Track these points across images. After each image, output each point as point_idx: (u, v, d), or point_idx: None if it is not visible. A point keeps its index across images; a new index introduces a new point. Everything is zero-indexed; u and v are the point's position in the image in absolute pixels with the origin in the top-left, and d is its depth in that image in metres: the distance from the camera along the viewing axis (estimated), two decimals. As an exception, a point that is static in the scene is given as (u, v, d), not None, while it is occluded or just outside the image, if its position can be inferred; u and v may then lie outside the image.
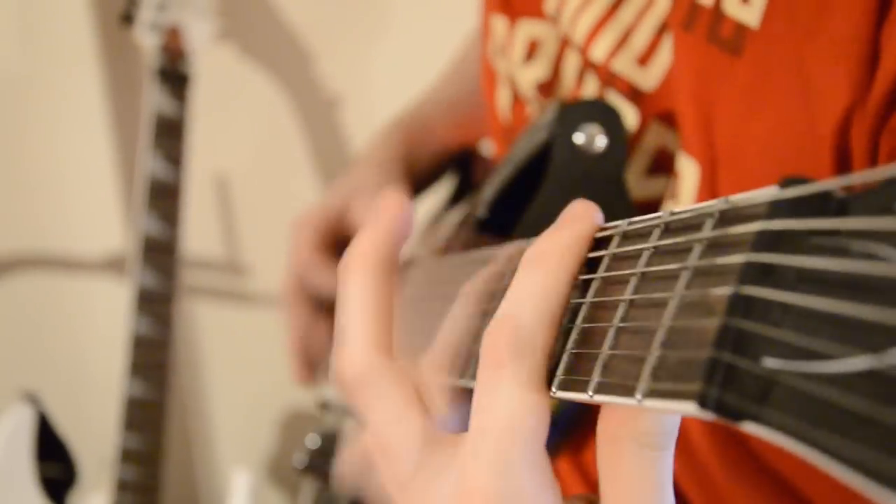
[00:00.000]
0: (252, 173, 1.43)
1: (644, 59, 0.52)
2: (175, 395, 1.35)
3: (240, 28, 1.36)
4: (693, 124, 0.47)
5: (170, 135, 1.18)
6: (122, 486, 1.21)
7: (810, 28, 0.40)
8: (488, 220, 0.58)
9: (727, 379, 0.22)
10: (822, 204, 0.22)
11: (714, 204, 0.26)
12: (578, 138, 0.49)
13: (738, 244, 0.24)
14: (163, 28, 1.19)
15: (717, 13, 0.45)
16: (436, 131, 0.79)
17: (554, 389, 0.31)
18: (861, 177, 0.21)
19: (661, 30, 0.52)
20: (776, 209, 0.23)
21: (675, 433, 0.30)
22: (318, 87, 1.39)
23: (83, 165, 1.41)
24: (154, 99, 1.18)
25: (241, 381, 1.51)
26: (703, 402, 0.22)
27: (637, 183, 0.53)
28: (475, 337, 0.38)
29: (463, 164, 0.82)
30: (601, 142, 0.49)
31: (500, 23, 0.64)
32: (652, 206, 0.52)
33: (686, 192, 0.48)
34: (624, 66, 0.53)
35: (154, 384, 1.21)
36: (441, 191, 0.83)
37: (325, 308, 0.75)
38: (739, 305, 0.23)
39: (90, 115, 1.38)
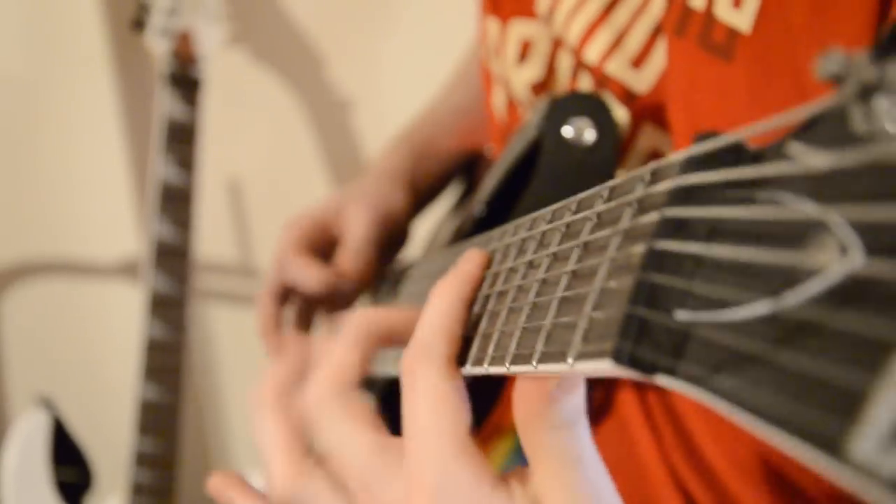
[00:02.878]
0: (264, 177, 1.44)
1: (638, 62, 0.52)
2: (189, 398, 1.35)
3: (250, 32, 1.36)
4: (684, 129, 0.47)
5: (182, 139, 1.19)
6: (138, 490, 1.22)
7: (805, 30, 0.40)
8: (486, 217, 0.58)
9: (641, 334, 0.23)
10: (735, 156, 0.22)
11: (645, 168, 0.26)
12: (567, 132, 0.49)
13: (656, 202, 0.24)
14: (174, 33, 1.20)
15: (709, 18, 0.45)
16: (441, 142, 0.80)
17: (507, 364, 0.32)
18: (769, 125, 0.21)
19: (656, 32, 0.51)
20: (690, 164, 0.23)
21: (582, 409, 0.33)
22: (329, 90, 1.40)
23: (96, 171, 1.42)
24: (166, 104, 1.18)
25: (255, 383, 1.51)
26: (617, 358, 0.23)
27: None
28: None
29: (470, 168, 0.82)
30: (590, 135, 0.49)
31: (492, 24, 0.64)
32: None
33: None
34: (617, 68, 0.53)
35: (168, 388, 1.21)
36: (449, 197, 0.83)
37: (312, 306, 0.77)
38: (653, 261, 0.23)
39: (103, 120, 1.39)
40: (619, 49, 0.52)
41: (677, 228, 0.23)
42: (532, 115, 0.53)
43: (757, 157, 0.22)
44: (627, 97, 0.52)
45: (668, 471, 0.52)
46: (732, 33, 0.43)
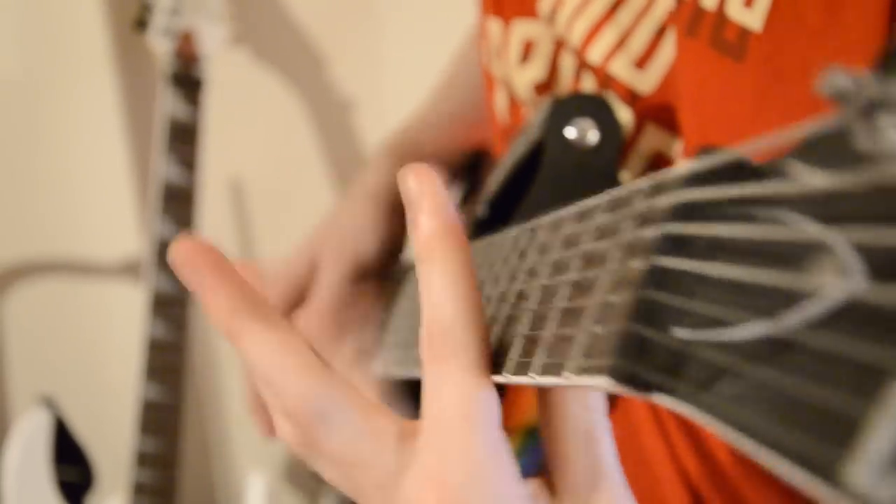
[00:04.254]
0: (265, 176, 1.44)
1: (642, 62, 0.52)
2: (191, 398, 1.35)
3: (253, 32, 1.36)
4: (693, 130, 0.47)
5: (184, 139, 1.19)
6: (139, 490, 1.22)
7: (818, 30, 0.39)
8: (489, 218, 0.58)
9: (640, 352, 0.22)
10: (737, 172, 0.22)
11: (645, 180, 0.26)
12: (570, 133, 0.49)
13: (657, 217, 0.24)
14: (176, 33, 1.20)
15: (721, 17, 0.44)
16: (429, 149, 0.79)
17: (505, 374, 0.31)
18: (771, 141, 0.20)
19: (660, 32, 0.51)
20: (692, 179, 0.23)
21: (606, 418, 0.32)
22: (331, 90, 1.40)
23: (98, 171, 1.42)
24: (168, 103, 1.18)
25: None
26: (615, 376, 0.22)
27: None
28: None
29: (473, 169, 0.82)
30: (593, 136, 0.49)
31: (494, 25, 0.64)
32: None
33: None
34: (621, 68, 0.52)
35: (170, 387, 1.21)
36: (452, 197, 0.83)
37: None
38: (653, 277, 0.23)
39: (104, 120, 1.39)
40: (622, 49, 0.52)
41: (678, 245, 0.23)
42: (535, 116, 0.53)
43: (759, 174, 0.21)
44: (631, 98, 0.52)
45: (677, 469, 0.52)
46: (744, 32, 0.43)
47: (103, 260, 1.45)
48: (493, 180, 0.60)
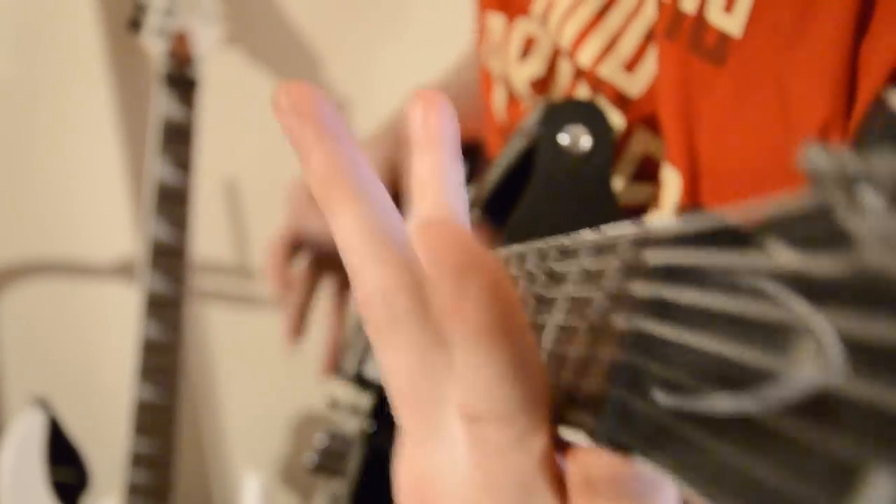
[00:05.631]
0: (260, 177, 1.44)
1: (631, 66, 0.52)
2: (186, 398, 1.35)
3: (247, 33, 1.36)
4: (675, 134, 0.47)
5: (178, 140, 1.19)
6: (134, 490, 1.22)
7: (791, 38, 0.39)
8: (482, 221, 0.58)
9: (620, 414, 0.22)
10: (725, 237, 0.21)
11: (629, 229, 0.25)
12: (563, 139, 0.49)
13: (642, 273, 0.23)
14: (170, 33, 1.20)
15: (701, 21, 0.44)
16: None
17: None
18: (757, 209, 0.19)
19: (649, 36, 0.51)
20: (678, 241, 0.22)
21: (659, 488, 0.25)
22: (325, 91, 1.40)
23: (92, 171, 1.42)
24: (162, 104, 1.18)
25: (251, 384, 1.51)
26: (594, 437, 0.22)
27: (623, 189, 0.53)
28: None
29: (469, 159, 0.82)
30: (586, 142, 0.49)
31: (497, 21, 0.64)
32: (638, 212, 0.52)
33: (668, 202, 0.48)
34: (610, 71, 0.52)
35: (164, 388, 1.21)
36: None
37: (321, 263, 0.77)
38: (633, 339, 0.22)
39: (98, 120, 1.39)
40: (612, 53, 0.52)
41: (662, 309, 0.22)
42: (528, 121, 0.53)
43: (744, 240, 0.21)
44: (621, 101, 0.52)
45: None
46: (724, 38, 0.43)
47: (97, 260, 1.45)
48: (486, 182, 0.60)
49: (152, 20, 1.20)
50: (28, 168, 1.40)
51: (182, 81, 1.19)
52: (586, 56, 0.53)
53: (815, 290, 0.17)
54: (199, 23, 1.20)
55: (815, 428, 0.16)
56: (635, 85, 0.52)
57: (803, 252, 0.18)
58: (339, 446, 0.72)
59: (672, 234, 0.23)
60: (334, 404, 0.79)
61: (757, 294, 0.18)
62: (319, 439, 0.73)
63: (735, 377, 0.18)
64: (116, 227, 1.44)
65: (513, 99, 0.63)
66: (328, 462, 0.72)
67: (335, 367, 0.81)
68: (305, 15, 1.37)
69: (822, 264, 0.17)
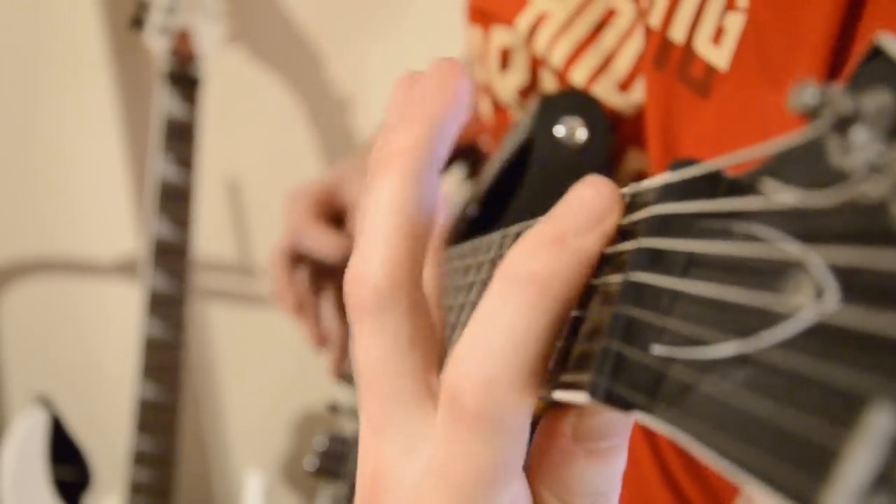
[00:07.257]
0: (263, 175, 1.43)
1: (625, 85, 0.52)
2: (188, 397, 1.35)
3: (249, 31, 1.36)
4: (661, 162, 0.47)
5: (180, 138, 1.19)
6: (136, 489, 1.22)
7: (778, 74, 0.39)
8: (481, 216, 0.58)
9: (618, 368, 0.22)
10: (712, 185, 0.22)
11: (623, 192, 0.25)
12: (559, 131, 0.49)
13: (634, 231, 0.24)
14: (173, 32, 1.19)
15: (689, 52, 0.44)
16: None
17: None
18: (744, 155, 0.20)
19: (643, 56, 0.51)
20: (666, 193, 0.23)
21: (625, 442, 0.26)
22: (327, 89, 1.39)
23: (94, 169, 1.42)
24: (164, 102, 1.18)
25: (253, 383, 1.51)
26: (593, 392, 0.22)
27: None
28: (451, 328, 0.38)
29: (471, 156, 0.82)
30: (582, 134, 0.49)
31: (475, 33, 0.64)
32: None
33: None
34: (604, 90, 0.52)
35: (167, 386, 1.21)
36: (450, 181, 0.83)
37: (322, 274, 0.78)
38: (630, 293, 0.22)
39: (101, 119, 1.39)
40: (606, 72, 0.52)
41: (654, 260, 0.22)
42: (524, 115, 0.53)
43: (734, 187, 0.21)
44: (614, 120, 0.52)
45: (662, 470, 0.52)
46: (710, 70, 0.43)
47: (100, 258, 1.45)
48: (484, 178, 0.60)
49: (155, 18, 1.20)
50: (30, 166, 1.40)
51: (184, 79, 1.19)
52: (579, 75, 0.53)
53: (808, 228, 0.17)
54: (201, 21, 1.20)
55: (814, 361, 0.16)
56: (629, 104, 0.52)
57: (797, 188, 0.18)
58: (338, 449, 0.72)
59: (660, 187, 0.23)
60: (334, 408, 0.79)
61: (750, 236, 0.19)
62: (319, 442, 0.73)
63: (733, 321, 0.18)
64: (119, 226, 1.44)
65: (499, 108, 0.63)
66: (328, 465, 0.72)
67: (341, 372, 0.81)
68: (308, 13, 1.37)
69: (816, 199, 0.17)
